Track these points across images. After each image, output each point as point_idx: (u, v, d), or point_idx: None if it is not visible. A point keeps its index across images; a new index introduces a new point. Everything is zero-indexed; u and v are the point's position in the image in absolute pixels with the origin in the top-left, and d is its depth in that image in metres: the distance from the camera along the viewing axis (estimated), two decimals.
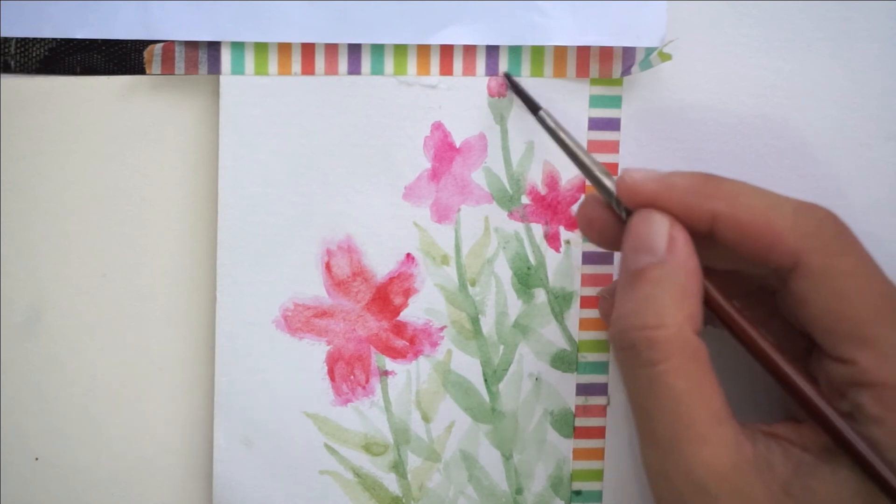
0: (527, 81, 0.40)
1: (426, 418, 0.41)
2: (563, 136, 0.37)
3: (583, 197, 0.37)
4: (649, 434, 0.33)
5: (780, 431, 0.34)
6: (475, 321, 0.41)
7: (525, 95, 0.39)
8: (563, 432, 0.42)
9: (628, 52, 0.40)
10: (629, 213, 0.35)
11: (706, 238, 0.34)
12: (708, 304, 0.34)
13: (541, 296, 0.41)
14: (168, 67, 0.40)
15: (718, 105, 0.40)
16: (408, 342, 0.41)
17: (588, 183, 0.38)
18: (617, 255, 0.41)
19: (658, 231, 0.33)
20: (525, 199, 0.41)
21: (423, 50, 0.40)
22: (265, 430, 0.41)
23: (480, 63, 0.40)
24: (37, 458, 0.42)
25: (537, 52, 0.40)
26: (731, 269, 0.36)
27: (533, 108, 0.38)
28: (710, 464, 0.31)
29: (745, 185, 0.34)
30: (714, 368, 0.33)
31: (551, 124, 0.37)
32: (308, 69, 0.40)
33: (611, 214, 0.35)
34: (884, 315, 0.32)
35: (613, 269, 0.41)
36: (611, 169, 0.41)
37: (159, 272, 0.41)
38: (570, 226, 0.41)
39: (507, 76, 0.39)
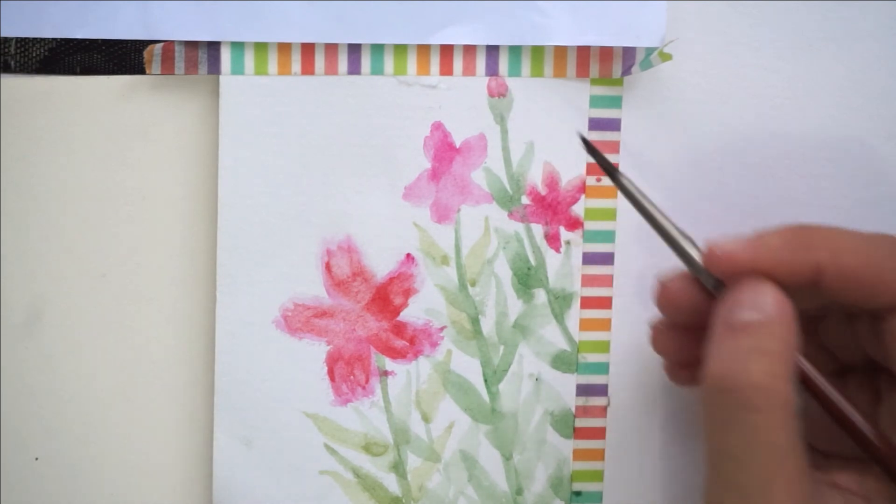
0: (527, 81, 0.40)
1: (426, 418, 0.41)
2: (646, 204, 0.35)
3: (661, 279, 0.36)
4: (733, 481, 0.32)
5: (843, 482, 0.34)
6: (475, 321, 0.41)
7: (602, 158, 0.37)
8: (564, 433, 0.42)
9: (628, 52, 0.40)
10: (718, 284, 0.34)
11: (801, 290, 0.33)
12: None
13: (541, 296, 0.41)
14: (168, 67, 0.40)
15: (719, 105, 0.40)
16: (408, 342, 0.41)
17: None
18: (618, 256, 0.41)
19: (766, 293, 0.33)
20: (525, 200, 0.41)
21: (423, 50, 0.40)
22: (265, 430, 0.41)
23: (480, 63, 0.40)
24: (37, 458, 0.42)
25: (537, 52, 0.40)
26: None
27: (611, 171, 0.36)
28: None
29: (840, 229, 0.34)
30: None
31: (633, 190, 0.36)
32: (308, 69, 0.40)
33: (695, 289, 0.35)
34: None
35: (613, 270, 0.41)
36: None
37: (159, 272, 0.41)
38: (570, 226, 0.41)
39: (583, 138, 0.38)
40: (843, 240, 0.33)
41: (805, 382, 0.34)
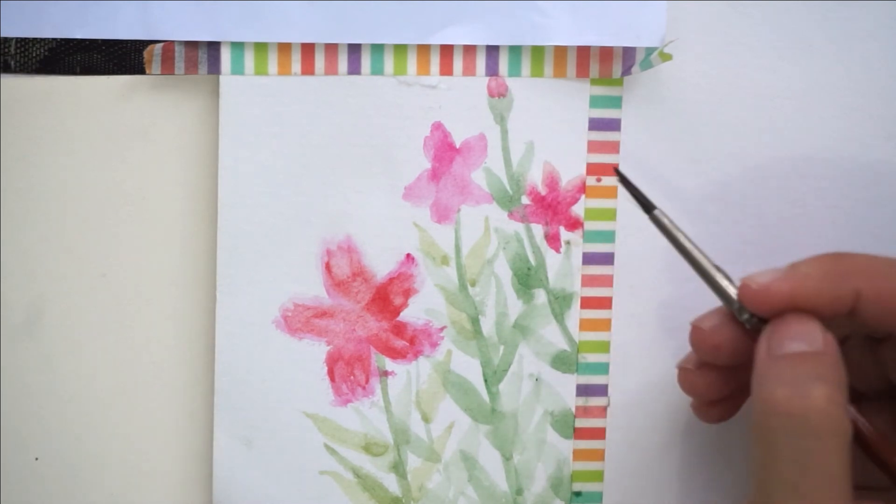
0: (527, 81, 0.40)
1: (426, 419, 0.41)
2: (682, 239, 0.35)
3: (694, 322, 0.36)
4: None
5: None
6: (475, 321, 0.41)
7: (639, 194, 0.37)
8: (564, 433, 0.42)
9: (628, 52, 0.40)
10: (755, 320, 0.34)
11: (839, 319, 0.33)
12: None
13: (541, 296, 0.41)
14: (168, 67, 0.40)
15: (719, 105, 0.40)
16: (408, 342, 0.41)
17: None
18: (618, 256, 0.41)
19: (813, 327, 0.33)
20: (525, 200, 0.41)
21: (423, 50, 0.40)
22: (265, 430, 0.41)
23: (480, 63, 0.40)
24: (37, 458, 0.42)
25: (537, 52, 0.40)
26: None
27: (648, 207, 0.36)
28: None
29: (873, 257, 0.34)
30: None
31: (669, 225, 0.36)
32: (308, 69, 0.40)
33: (730, 327, 0.35)
34: None
35: (613, 270, 0.41)
36: (610, 170, 0.40)
37: (159, 272, 0.41)
38: (570, 226, 0.41)
39: (619, 172, 0.37)
40: (881, 267, 0.33)
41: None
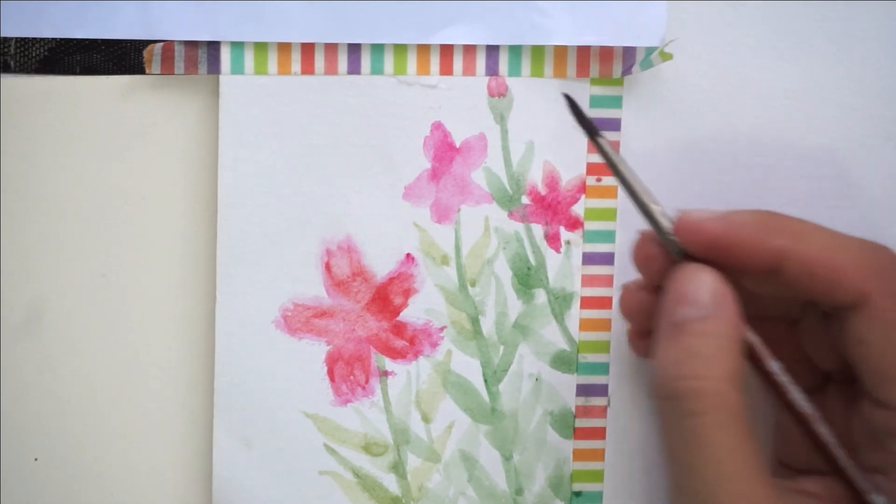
0: (527, 81, 0.40)
1: (426, 419, 0.41)
2: (622, 167, 0.35)
3: (639, 235, 0.36)
4: (684, 487, 0.33)
5: (811, 488, 0.34)
6: (475, 321, 0.41)
7: (585, 119, 0.36)
8: (564, 433, 0.42)
9: (629, 52, 0.40)
10: (683, 255, 0.34)
11: (763, 275, 0.34)
12: (749, 357, 0.34)
13: (541, 296, 0.41)
14: (168, 67, 0.40)
15: (719, 105, 0.40)
16: (408, 342, 0.41)
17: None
18: (618, 256, 0.41)
19: (705, 285, 0.33)
20: (525, 200, 0.41)
21: (423, 50, 0.40)
22: (265, 430, 0.41)
23: (480, 63, 0.40)
24: (36, 459, 0.42)
25: (537, 51, 0.40)
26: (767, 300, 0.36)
27: (592, 132, 0.36)
28: None
29: (809, 223, 0.34)
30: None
31: (610, 152, 0.36)
32: (308, 69, 0.40)
33: (663, 253, 0.35)
34: None
35: (613, 270, 0.41)
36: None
37: (159, 272, 0.41)
38: (571, 226, 0.41)
39: (568, 97, 0.37)
40: (810, 231, 0.33)
41: (768, 380, 0.34)
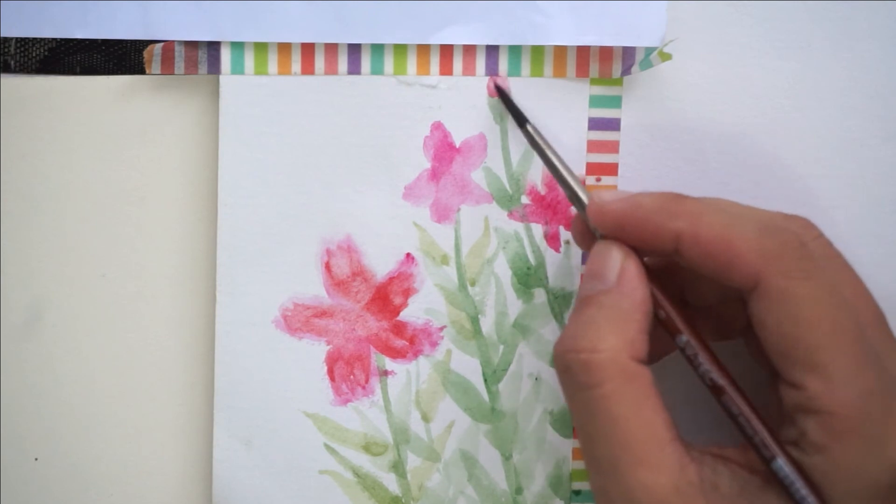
0: (527, 81, 0.40)
1: (426, 418, 0.41)
2: (549, 154, 0.37)
3: (575, 218, 0.38)
4: (590, 457, 0.33)
5: (730, 454, 0.34)
6: (475, 321, 0.41)
7: (514, 107, 0.39)
8: (563, 432, 0.42)
9: (628, 52, 0.40)
10: (602, 234, 0.36)
11: (668, 256, 0.34)
12: (665, 326, 0.35)
13: (541, 296, 0.41)
14: (168, 67, 0.40)
15: (718, 105, 0.40)
16: (407, 342, 0.41)
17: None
18: None
19: (612, 260, 0.34)
20: (525, 199, 0.41)
21: (423, 50, 0.40)
22: (265, 430, 0.41)
23: (480, 63, 0.40)
24: (37, 459, 0.42)
25: (537, 51, 0.40)
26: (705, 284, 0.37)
27: (520, 121, 0.38)
28: (650, 487, 0.32)
29: (715, 202, 0.34)
30: (673, 392, 0.33)
31: (539, 140, 0.38)
32: (308, 69, 0.40)
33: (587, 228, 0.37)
34: (837, 342, 0.32)
35: None
36: (610, 170, 0.41)
37: (159, 272, 0.41)
38: (570, 226, 0.41)
39: (498, 87, 0.39)
40: (709, 212, 0.34)
41: (682, 353, 0.35)
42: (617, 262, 0.34)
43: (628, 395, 0.32)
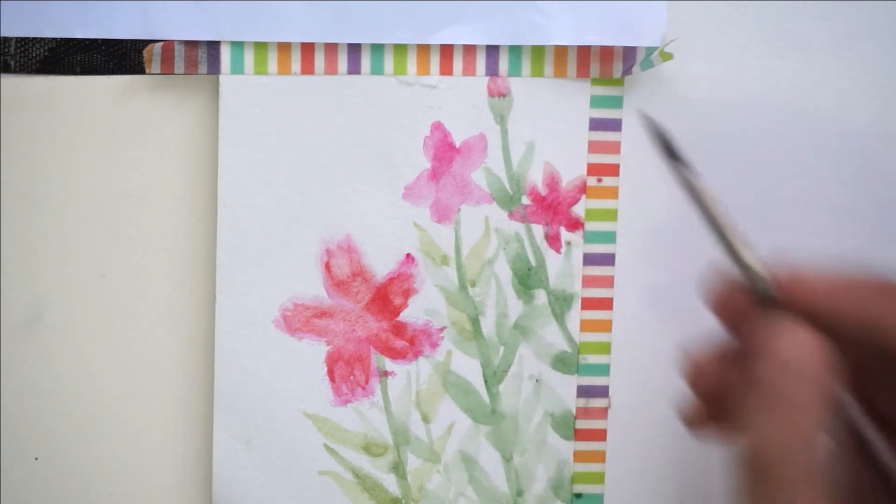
0: (527, 81, 0.40)
1: (426, 419, 0.41)
2: (714, 209, 0.32)
3: (720, 280, 0.33)
4: None
5: None
6: (475, 322, 0.41)
7: (669, 145, 0.32)
8: (564, 434, 0.42)
9: (629, 52, 0.40)
10: (775, 303, 0.31)
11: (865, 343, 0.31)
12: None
13: (541, 297, 0.41)
14: (167, 67, 0.40)
15: (719, 105, 0.40)
16: (408, 343, 0.41)
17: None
18: (619, 257, 0.41)
19: (807, 352, 0.30)
20: (525, 200, 0.41)
21: (423, 50, 0.40)
22: (265, 431, 0.41)
23: (480, 63, 0.40)
24: (37, 458, 0.42)
25: (538, 51, 0.40)
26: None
27: (679, 161, 0.32)
28: None
29: None
30: None
31: (700, 188, 0.32)
32: (308, 69, 0.40)
33: (746, 295, 0.32)
34: None
35: (614, 271, 0.41)
36: (611, 170, 0.40)
37: (159, 272, 0.41)
38: (571, 227, 0.41)
39: (648, 118, 0.33)
40: None
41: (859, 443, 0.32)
42: (813, 353, 0.29)
43: (814, 491, 0.29)
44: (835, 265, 0.31)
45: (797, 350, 0.30)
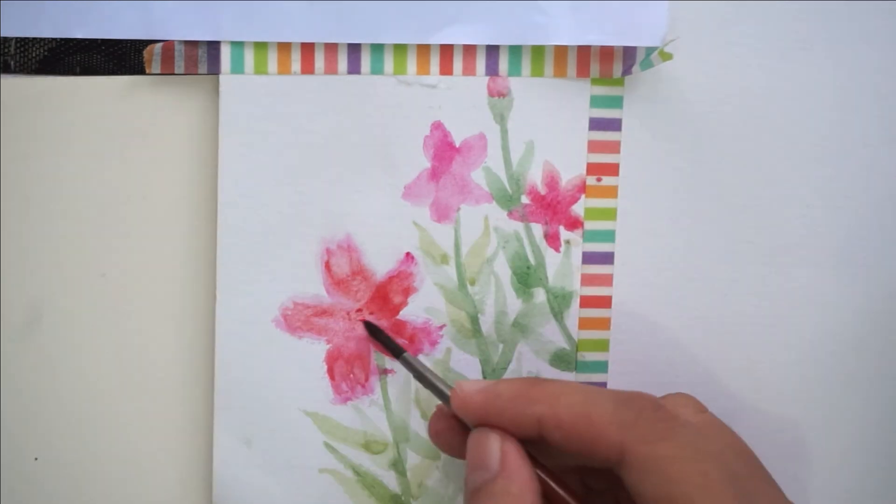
0: (527, 81, 0.40)
1: (425, 416, 0.41)
2: (421, 369, 0.38)
3: (434, 409, 0.39)
4: None
5: None
6: (475, 320, 0.41)
7: (388, 340, 0.40)
8: None
9: (629, 52, 0.40)
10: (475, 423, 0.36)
11: (534, 439, 0.35)
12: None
13: (540, 295, 0.41)
14: (168, 66, 0.39)
15: (719, 105, 0.41)
16: (407, 341, 0.41)
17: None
18: (618, 256, 0.41)
19: (491, 447, 0.35)
20: (525, 199, 0.41)
21: (423, 49, 0.40)
22: (265, 429, 0.41)
23: (480, 63, 0.40)
24: (37, 458, 0.42)
25: (538, 51, 0.40)
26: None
27: (396, 352, 0.39)
28: None
29: (569, 384, 0.35)
30: None
31: (413, 361, 0.39)
32: (308, 68, 0.40)
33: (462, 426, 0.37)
34: (709, 494, 0.32)
35: (613, 270, 0.41)
36: (611, 170, 0.41)
37: (159, 272, 0.41)
38: (570, 226, 0.41)
39: (367, 323, 0.41)
40: (566, 394, 0.34)
41: None
42: (496, 448, 0.35)
43: None
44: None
45: (479, 451, 0.35)
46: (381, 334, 0.40)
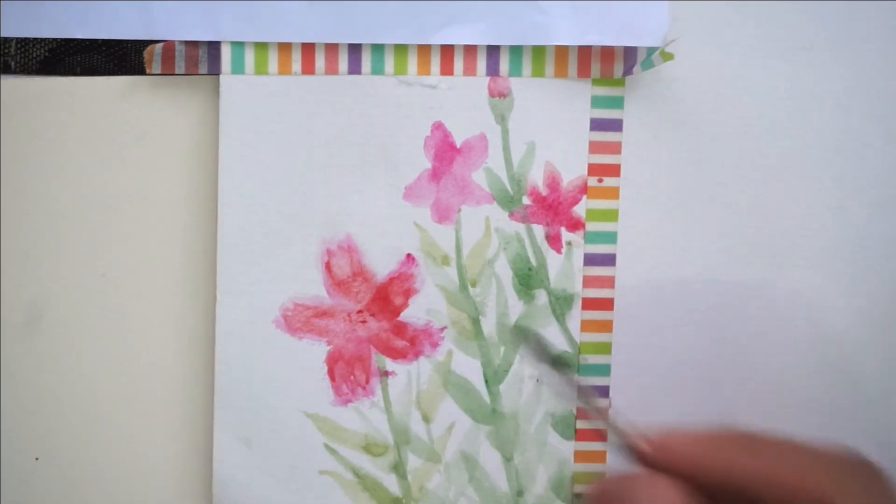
0: (528, 81, 0.40)
1: (426, 419, 0.41)
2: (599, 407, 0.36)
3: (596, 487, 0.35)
4: None
5: None
6: (476, 322, 0.41)
7: (549, 353, 0.38)
8: (565, 434, 0.42)
9: (630, 52, 0.40)
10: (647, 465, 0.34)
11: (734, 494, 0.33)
12: None
13: (542, 297, 0.41)
14: (168, 67, 0.40)
15: (720, 105, 0.40)
16: (408, 342, 0.41)
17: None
18: (620, 257, 0.41)
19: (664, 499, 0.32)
20: (526, 200, 0.41)
21: (424, 50, 0.40)
22: (265, 430, 0.41)
23: (481, 63, 0.40)
24: (37, 458, 0.42)
25: (538, 52, 0.40)
26: None
27: (564, 369, 0.38)
28: None
29: (782, 440, 0.34)
30: None
31: (588, 390, 0.37)
32: (308, 69, 0.40)
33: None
34: None
35: (615, 271, 0.41)
36: (612, 171, 0.40)
37: (159, 272, 0.41)
38: (572, 227, 0.41)
39: (523, 332, 0.39)
40: (785, 453, 0.33)
41: None
42: (669, 497, 0.32)
43: None
44: (701, 425, 0.34)
45: (653, 498, 0.32)
46: (545, 347, 0.39)
